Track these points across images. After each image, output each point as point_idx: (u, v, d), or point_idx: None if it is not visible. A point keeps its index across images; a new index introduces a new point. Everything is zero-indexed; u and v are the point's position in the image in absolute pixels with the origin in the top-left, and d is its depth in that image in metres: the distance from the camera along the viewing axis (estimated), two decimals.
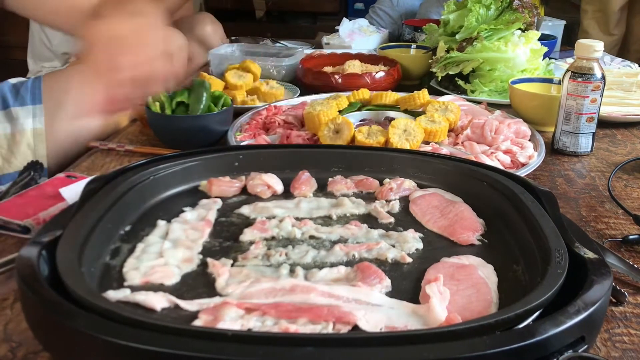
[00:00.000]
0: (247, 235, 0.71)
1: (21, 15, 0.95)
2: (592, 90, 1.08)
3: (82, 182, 0.77)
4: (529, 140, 1.10)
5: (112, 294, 0.57)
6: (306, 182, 0.84)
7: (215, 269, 0.63)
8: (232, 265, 0.64)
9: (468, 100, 1.33)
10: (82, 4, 0.90)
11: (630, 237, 0.81)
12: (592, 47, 1.07)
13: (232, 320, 0.53)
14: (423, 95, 1.18)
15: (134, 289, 0.59)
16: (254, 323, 0.54)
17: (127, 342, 0.46)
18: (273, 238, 0.71)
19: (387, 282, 0.62)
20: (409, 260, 0.67)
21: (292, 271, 0.64)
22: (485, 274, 0.63)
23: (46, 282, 0.53)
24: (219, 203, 0.79)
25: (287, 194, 0.83)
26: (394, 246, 0.69)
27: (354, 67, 1.57)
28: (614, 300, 0.67)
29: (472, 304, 0.58)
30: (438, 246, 0.70)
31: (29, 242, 0.59)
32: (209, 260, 0.64)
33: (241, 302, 0.56)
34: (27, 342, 0.58)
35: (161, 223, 0.72)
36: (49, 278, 0.55)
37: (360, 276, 0.62)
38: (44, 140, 1.21)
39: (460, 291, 0.60)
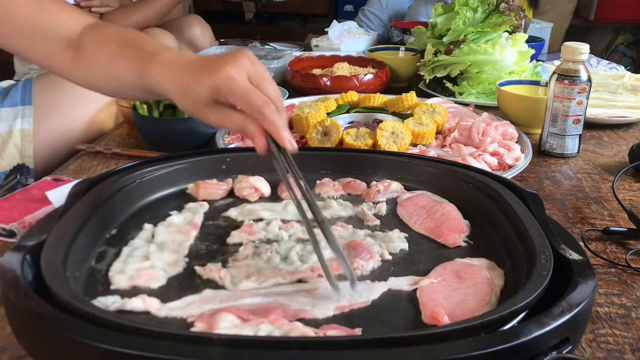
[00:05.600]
0: (235, 237, 0.71)
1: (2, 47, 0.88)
2: (579, 93, 1.09)
3: (69, 185, 0.77)
4: (516, 142, 1.10)
5: (102, 300, 0.57)
6: (293, 184, 0.83)
7: (213, 273, 0.63)
8: (223, 267, 0.64)
9: (456, 102, 1.34)
10: (58, 33, 0.84)
11: (611, 228, 0.83)
12: (578, 50, 1.08)
13: (226, 330, 0.53)
14: (411, 97, 1.18)
15: (122, 293, 0.59)
16: (247, 332, 0.53)
17: (112, 346, 0.45)
18: (260, 240, 0.71)
19: (377, 257, 0.67)
20: (388, 257, 0.67)
21: (285, 259, 0.66)
22: (492, 276, 0.63)
23: (30, 287, 0.52)
24: (205, 206, 0.79)
25: (275, 197, 0.83)
26: (380, 246, 0.70)
27: (342, 69, 1.58)
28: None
29: (467, 302, 0.59)
30: (424, 248, 0.71)
31: (13, 247, 0.59)
32: (198, 268, 0.64)
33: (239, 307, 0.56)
34: (11, 347, 0.58)
35: (147, 226, 0.72)
36: (34, 282, 0.55)
37: (353, 253, 0.66)
38: (31, 140, 1.21)
39: (460, 289, 0.61)
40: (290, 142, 0.66)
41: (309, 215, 0.62)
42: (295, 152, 0.67)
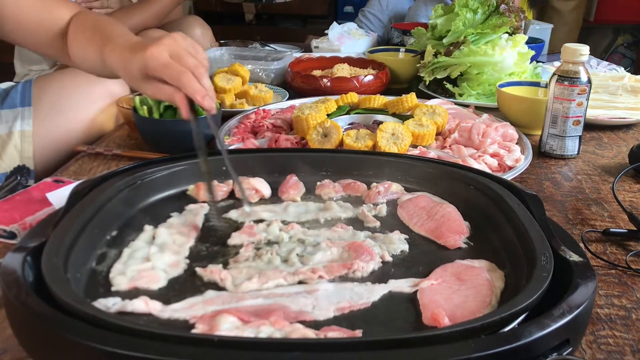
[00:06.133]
0: (235, 239, 0.71)
1: (7, 41, 1.05)
2: (579, 94, 1.09)
3: (69, 186, 0.77)
4: (516, 143, 1.11)
5: (103, 302, 0.57)
6: (294, 186, 0.84)
7: (214, 274, 0.63)
8: (224, 268, 0.64)
9: (456, 103, 1.34)
10: (59, 26, 0.99)
11: (611, 230, 0.83)
12: (578, 51, 1.08)
13: (227, 331, 0.53)
14: (411, 98, 1.19)
15: (122, 295, 0.59)
16: (248, 334, 0.53)
17: (113, 348, 0.45)
18: (261, 242, 0.71)
19: (378, 258, 0.67)
20: (389, 258, 0.68)
21: (285, 261, 0.66)
22: (492, 278, 0.63)
23: (31, 289, 0.53)
24: (206, 208, 0.79)
25: (275, 198, 0.83)
26: (380, 247, 0.70)
27: (342, 70, 1.58)
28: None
29: (467, 303, 0.59)
30: (424, 250, 0.71)
31: (14, 248, 0.59)
32: (199, 269, 0.64)
33: (239, 308, 0.57)
34: (12, 349, 0.58)
35: (148, 228, 0.72)
36: (34, 284, 0.55)
37: (354, 255, 0.66)
38: (31, 142, 1.21)
39: (461, 290, 0.61)
40: (208, 104, 0.76)
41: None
42: (212, 112, 0.78)
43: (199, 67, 0.78)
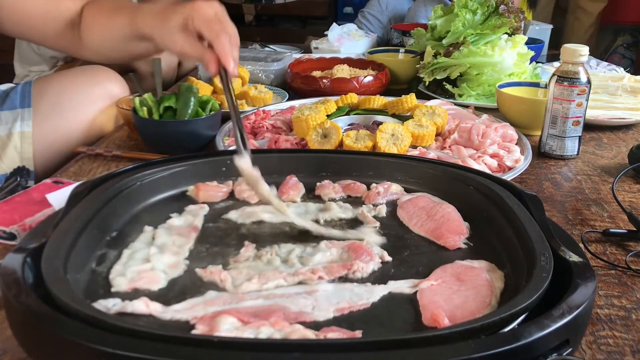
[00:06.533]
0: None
1: (12, 36, 1.08)
2: (578, 94, 1.09)
3: (69, 187, 0.77)
4: (516, 144, 1.11)
5: (103, 303, 0.57)
6: (294, 186, 0.84)
7: (214, 275, 0.63)
8: (224, 269, 0.64)
9: (455, 104, 1.34)
10: (66, 17, 1.02)
11: (611, 230, 0.83)
12: (578, 52, 1.08)
13: (227, 332, 0.53)
14: (411, 99, 1.19)
15: (122, 296, 0.59)
16: (248, 335, 0.53)
17: (113, 349, 0.45)
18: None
19: (377, 259, 0.66)
20: (388, 259, 0.68)
21: (285, 261, 0.66)
22: (492, 278, 0.63)
23: (31, 290, 0.53)
24: (206, 209, 0.79)
25: None
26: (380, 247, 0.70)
27: (342, 71, 1.58)
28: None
29: (467, 304, 0.59)
30: (424, 250, 0.71)
31: (14, 249, 0.59)
32: (199, 270, 0.64)
33: (238, 308, 0.57)
34: (12, 349, 0.58)
35: (148, 229, 0.72)
36: (34, 285, 0.55)
37: (353, 256, 0.66)
38: (31, 143, 1.21)
39: (460, 291, 0.61)
40: (233, 67, 0.81)
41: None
42: (235, 76, 0.84)
43: (236, 36, 0.84)
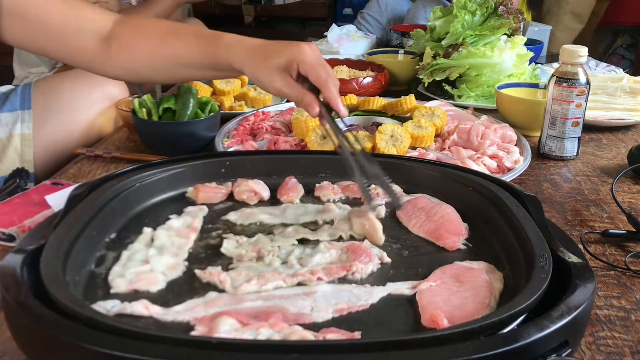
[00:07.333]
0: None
1: (24, 48, 0.98)
2: (577, 95, 1.09)
3: (68, 189, 0.77)
4: (515, 144, 1.11)
5: (102, 304, 0.57)
6: (293, 188, 0.84)
7: (213, 276, 0.63)
8: (224, 270, 0.64)
9: (455, 105, 1.34)
10: (89, 28, 0.93)
11: (610, 231, 0.83)
12: (577, 53, 1.08)
13: (227, 333, 0.53)
14: (410, 100, 1.19)
15: (121, 297, 0.59)
16: (247, 336, 0.53)
17: (112, 351, 0.45)
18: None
19: (377, 260, 0.66)
20: (388, 260, 0.68)
21: (284, 262, 0.66)
22: (491, 279, 0.63)
23: (30, 291, 0.53)
24: (205, 210, 0.79)
25: (274, 200, 0.83)
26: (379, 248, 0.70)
27: (341, 72, 1.58)
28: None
29: (466, 305, 0.59)
30: (423, 251, 0.71)
31: (13, 251, 0.59)
32: (198, 271, 0.64)
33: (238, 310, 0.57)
34: (11, 352, 0.58)
35: (147, 230, 0.72)
36: (33, 287, 0.55)
37: (352, 257, 0.66)
38: (31, 145, 1.21)
39: (459, 292, 0.61)
40: (344, 109, 0.83)
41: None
42: (345, 117, 0.86)
43: (336, 78, 0.85)
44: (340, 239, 0.72)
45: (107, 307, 0.57)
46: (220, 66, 0.91)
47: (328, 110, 0.84)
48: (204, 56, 0.91)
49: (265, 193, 0.83)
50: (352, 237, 0.73)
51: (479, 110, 1.31)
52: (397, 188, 0.84)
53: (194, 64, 0.92)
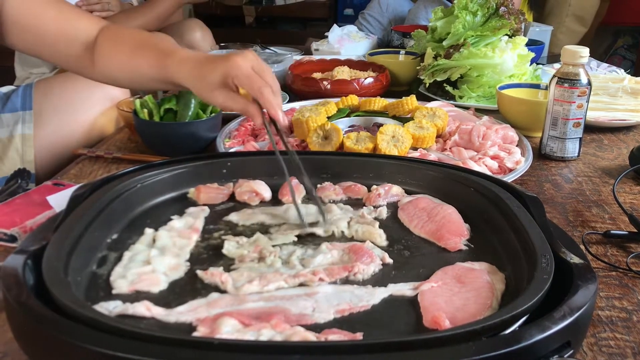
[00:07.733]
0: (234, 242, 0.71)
1: (21, 52, 1.05)
2: (579, 96, 1.09)
3: (70, 189, 0.77)
4: (517, 145, 1.10)
5: (104, 305, 0.57)
6: (295, 188, 0.83)
7: (215, 277, 0.63)
8: (225, 271, 0.64)
9: (456, 106, 1.34)
10: (79, 38, 0.98)
11: (612, 232, 0.83)
12: (578, 53, 1.08)
13: (228, 334, 0.53)
14: (411, 101, 1.19)
15: (123, 298, 0.59)
16: (249, 337, 0.53)
17: (114, 351, 0.45)
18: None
19: (378, 261, 0.67)
20: (389, 261, 0.68)
21: (286, 263, 0.66)
22: (493, 280, 0.63)
23: (32, 292, 0.53)
24: (206, 211, 0.79)
25: (276, 201, 0.83)
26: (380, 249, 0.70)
27: (342, 73, 1.58)
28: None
29: (468, 306, 0.59)
30: (424, 252, 0.71)
31: (15, 251, 0.59)
32: (200, 272, 0.64)
33: (238, 310, 0.57)
34: (13, 352, 0.58)
35: (149, 231, 0.72)
36: (35, 287, 0.55)
37: (354, 257, 0.66)
38: (32, 145, 1.21)
39: (461, 293, 0.61)
40: (282, 118, 0.82)
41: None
42: (286, 126, 0.86)
43: (276, 84, 0.85)
44: (333, 235, 0.73)
45: (109, 308, 0.57)
46: (174, 84, 0.93)
47: (272, 121, 0.83)
48: (159, 73, 0.93)
49: (267, 194, 0.83)
50: (352, 238, 0.73)
51: (480, 111, 1.31)
52: (398, 189, 0.84)
53: (155, 78, 0.94)
